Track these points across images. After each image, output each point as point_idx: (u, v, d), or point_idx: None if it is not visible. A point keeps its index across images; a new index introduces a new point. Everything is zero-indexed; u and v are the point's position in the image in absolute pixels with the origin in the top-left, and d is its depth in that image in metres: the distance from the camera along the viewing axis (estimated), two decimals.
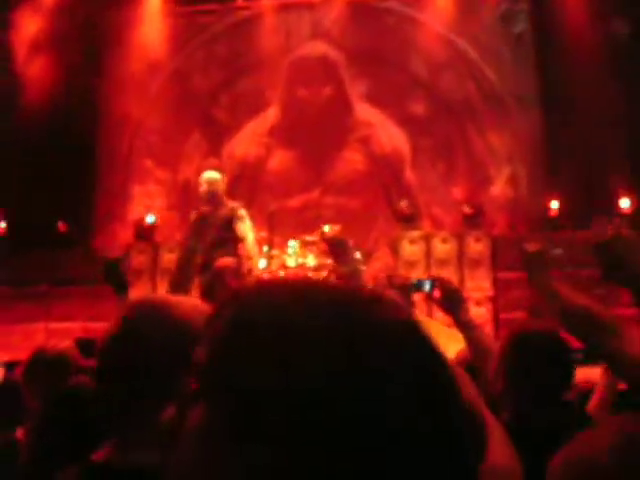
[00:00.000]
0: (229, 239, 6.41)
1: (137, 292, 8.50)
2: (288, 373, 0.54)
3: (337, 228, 7.32)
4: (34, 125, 9.60)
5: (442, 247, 9.00)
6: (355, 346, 0.56)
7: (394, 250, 9.19)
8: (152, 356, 1.23)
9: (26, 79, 9.87)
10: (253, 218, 6.75)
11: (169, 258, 9.02)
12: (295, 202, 10.32)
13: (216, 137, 11.04)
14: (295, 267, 7.48)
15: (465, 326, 2.34)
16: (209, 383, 0.58)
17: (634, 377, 1.89)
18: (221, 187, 6.62)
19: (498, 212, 10.07)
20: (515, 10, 10.57)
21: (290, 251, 7.58)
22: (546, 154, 9.83)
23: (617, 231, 2.07)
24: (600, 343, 1.90)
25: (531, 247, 2.35)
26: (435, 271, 8.65)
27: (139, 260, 9.34)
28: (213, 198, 6.52)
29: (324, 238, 6.87)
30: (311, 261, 7.53)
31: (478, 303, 8.41)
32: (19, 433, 2.57)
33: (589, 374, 2.97)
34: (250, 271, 6.62)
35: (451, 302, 2.38)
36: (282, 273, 7.41)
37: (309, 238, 7.62)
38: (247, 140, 10.96)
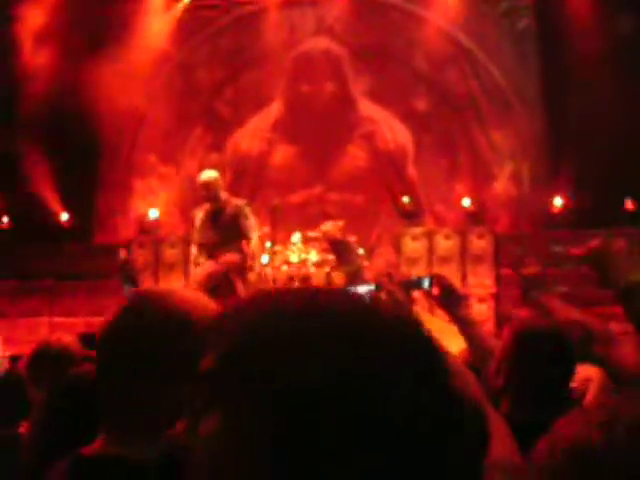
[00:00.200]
0: (233, 236, 6.43)
1: (140, 287, 8.52)
2: (321, 375, 0.56)
3: (340, 224, 7.35)
4: (36, 119, 9.61)
5: (445, 244, 9.00)
6: (360, 349, 0.57)
7: (396, 246, 9.20)
8: (150, 348, 1.23)
9: (29, 72, 9.87)
10: (256, 213, 6.77)
11: (171, 253, 9.05)
12: (298, 198, 10.33)
13: (219, 132, 11.04)
14: (298, 262, 7.50)
15: (463, 323, 2.35)
16: (234, 388, 0.58)
17: (623, 385, 1.91)
18: (219, 185, 6.62)
19: (501, 209, 10.07)
20: (518, 6, 10.56)
21: (293, 247, 7.60)
22: (549, 151, 9.83)
23: (604, 244, 2.10)
24: (592, 355, 1.93)
25: (527, 270, 2.39)
26: (437, 268, 8.66)
27: (141, 255, 9.36)
28: (213, 197, 6.53)
29: (326, 238, 6.89)
30: (314, 257, 7.54)
31: (481, 300, 8.42)
32: (23, 427, 2.58)
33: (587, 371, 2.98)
34: (252, 268, 6.64)
35: (449, 299, 2.39)
36: (285, 268, 7.43)
37: (312, 234, 7.64)
38: (250, 135, 10.96)
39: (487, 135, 10.38)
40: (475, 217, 9.51)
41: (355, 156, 10.69)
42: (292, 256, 7.55)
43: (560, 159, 9.35)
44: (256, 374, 0.57)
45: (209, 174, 6.62)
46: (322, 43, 10.96)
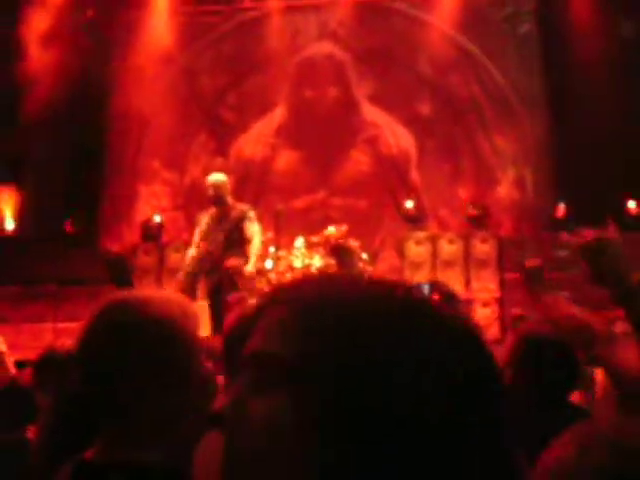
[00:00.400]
0: (238, 240, 6.45)
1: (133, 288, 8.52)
2: (391, 376, 0.56)
3: (343, 229, 7.35)
4: (41, 123, 9.63)
5: (448, 248, 8.99)
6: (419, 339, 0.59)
7: (400, 251, 9.19)
8: (129, 356, 1.24)
9: (33, 76, 9.89)
10: (259, 218, 6.78)
11: (175, 258, 9.05)
12: (301, 203, 10.34)
13: (223, 137, 11.06)
14: (301, 268, 7.50)
15: None
16: (298, 375, 0.58)
17: (624, 387, 1.92)
18: (227, 189, 6.66)
19: (504, 213, 10.07)
20: (521, 11, 10.57)
21: (297, 252, 7.60)
22: (552, 155, 9.83)
23: (601, 235, 2.11)
24: (592, 354, 1.94)
25: (530, 263, 2.40)
26: (441, 272, 8.66)
27: (145, 260, 9.37)
28: (220, 200, 6.56)
29: (327, 244, 6.90)
30: (317, 262, 7.55)
31: (485, 304, 8.41)
32: (30, 432, 2.60)
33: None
34: (260, 271, 6.68)
35: (448, 305, 2.40)
36: (289, 275, 7.44)
37: (315, 239, 7.64)
38: (254, 140, 10.98)
39: (490, 140, 10.39)
40: (478, 221, 9.50)
41: (358, 161, 10.70)
42: (296, 261, 7.56)
43: (563, 164, 9.36)
44: (325, 359, 0.57)
45: (218, 176, 6.70)
46: (325, 48, 10.99)
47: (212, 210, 6.63)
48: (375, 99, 10.77)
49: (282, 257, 7.53)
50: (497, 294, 8.59)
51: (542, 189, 9.89)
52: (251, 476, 0.59)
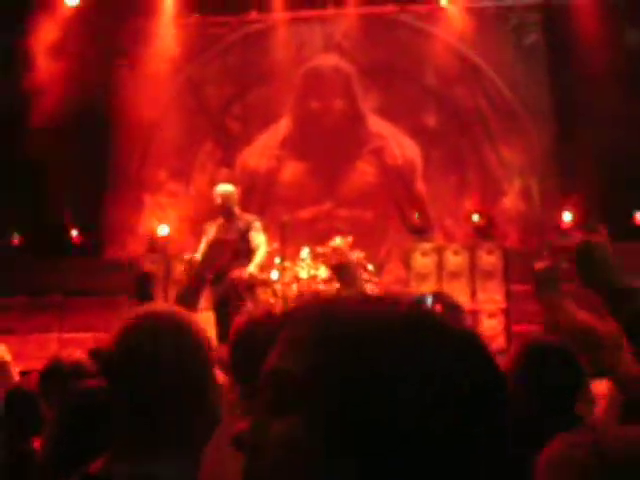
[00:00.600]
0: (244, 251, 6.45)
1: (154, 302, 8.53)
2: (398, 397, 0.57)
3: (349, 240, 7.35)
4: (47, 134, 9.66)
5: (454, 259, 8.98)
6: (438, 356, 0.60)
7: (406, 262, 9.19)
8: (159, 371, 1.24)
9: (41, 86, 9.93)
10: (265, 229, 6.79)
11: (181, 269, 9.05)
12: (307, 214, 10.34)
13: (229, 148, 11.08)
14: (307, 278, 7.50)
15: None
16: (307, 389, 0.58)
17: (632, 393, 1.91)
18: (235, 200, 6.68)
19: (510, 224, 10.06)
20: (527, 22, 10.58)
21: (302, 263, 7.60)
22: (558, 166, 9.82)
23: (589, 238, 2.11)
24: (599, 359, 1.93)
25: (540, 264, 2.38)
26: (447, 283, 8.65)
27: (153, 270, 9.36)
28: (228, 211, 6.58)
29: (327, 263, 6.89)
30: (323, 273, 7.54)
31: (490, 315, 8.39)
32: (36, 443, 2.59)
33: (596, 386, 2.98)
34: (265, 282, 6.68)
35: (451, 316, 2.40)
36: (295, 286, 7.43)
37: (321, 250, 7.64)
38: (259, 152, 10.99)
39: (496, 151, 10.39)
40: (484, 232, 9.49)
41: (364, 172, 10.70)
42: (301, 272, 7.56)
43: (570, 175, 9.34)
44: (331, 371, 0.58)
45: (227, 187, 6.75)
46: (331, 60, 11.01)
47: (219, 220, 6.64)
48: (381, 111, 10.78)
49: (288, 268, 7.53)
50: (503, 305, 8.57)
51: (549, 200, 9.87)
52: None
